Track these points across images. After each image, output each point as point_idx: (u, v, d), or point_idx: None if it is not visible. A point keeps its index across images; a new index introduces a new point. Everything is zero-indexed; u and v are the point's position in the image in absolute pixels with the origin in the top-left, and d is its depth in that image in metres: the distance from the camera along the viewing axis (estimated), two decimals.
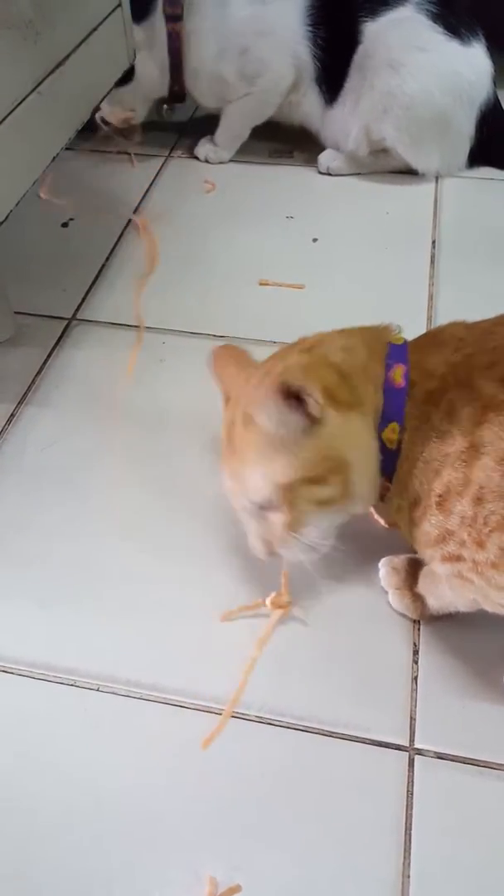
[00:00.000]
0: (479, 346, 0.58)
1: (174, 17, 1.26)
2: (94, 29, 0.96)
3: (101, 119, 1.37)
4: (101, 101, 1.08)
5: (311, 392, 0.55)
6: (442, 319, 1.05)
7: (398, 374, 0.59)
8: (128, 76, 1.26)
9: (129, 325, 1.06)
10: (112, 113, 1.34)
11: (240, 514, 0.66)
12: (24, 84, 0.80)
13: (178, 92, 1.34)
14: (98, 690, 0.68)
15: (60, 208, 1.26)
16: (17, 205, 0.82)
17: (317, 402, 0.55)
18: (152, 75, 1.31)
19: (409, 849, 0.59)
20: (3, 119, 0.76)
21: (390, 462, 0.60)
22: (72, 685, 0.69)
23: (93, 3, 0.97)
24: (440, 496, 0.56)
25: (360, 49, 1.22)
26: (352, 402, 0.58)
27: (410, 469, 0.59)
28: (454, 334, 0.61)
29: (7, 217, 0.81)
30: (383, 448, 0.59)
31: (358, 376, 0.59)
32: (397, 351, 0.61)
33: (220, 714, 0.66)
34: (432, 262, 1.16)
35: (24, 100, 0.79)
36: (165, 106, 1.42)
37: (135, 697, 0.68)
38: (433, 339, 0.62)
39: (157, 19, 1.26)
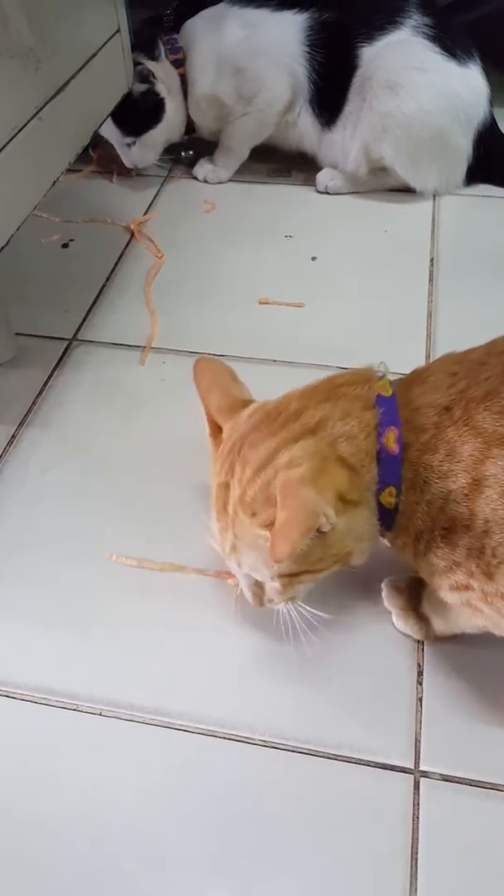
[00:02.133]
0: (473, 379, 0.57)
1: (178, 63, 1.29)
2: (94, 54, 0.97)
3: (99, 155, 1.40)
4: (100, 125, 1.10)
5: (328, 515, 0.54)
6: (441, 336, 1.06)
7: (391, 439, 0.57)
8: (156, 116, 1.30)
9: (129, 345, 1.06)
10: (143, 159, 1.36)
11: (230, 565, 0.66)
12: (26, 111, 0.81)
13: (188, 126, 1.37)
14: (101, 715, 0.68)
15: (61, 230, 1.27)
16: (18, 229, 0.83)
17: (330, 522, 0.55)
18: (178, 117, 1.34)
19: (416, 872, 0.59)
20: (5, 146, 0.77)
21: (388, 517, 0.60)
22: (74, 710, 0.68)
23: (92, 30, 0.98)
24: (445, 529, 0.55)
25: (359, 73, 1.23)
26: (359, 500, 0.58)
27: (412, 515, 0.58)
28: (446, 370, 0.59)
29: (9, 241, 0.82)
30: (381, 507, 0.59)
31: (362, 465, 0.58)
32: (387, 410, 0.59)
33: (223, 738, 0.66)
34: (431, 279, 1.17)
35: (24, 126, 0.80)
36: (189, 151, 1.44)
37: (137, 722, 0.67)
38: (424, 380, 0.60)
39: (166, 64, 1.29)
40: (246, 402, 0.67)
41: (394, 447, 0.57)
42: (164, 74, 1.29)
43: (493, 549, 0.53)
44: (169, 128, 1.35)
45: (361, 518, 0.59)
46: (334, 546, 0.59)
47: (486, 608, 0.57)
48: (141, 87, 1.25)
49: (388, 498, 0.58)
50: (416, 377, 0.62)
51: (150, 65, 1.27)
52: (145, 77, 1.25)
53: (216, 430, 0.68)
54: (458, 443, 0.55)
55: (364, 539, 0.61)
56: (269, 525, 0.56)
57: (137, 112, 1.28)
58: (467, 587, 0.56)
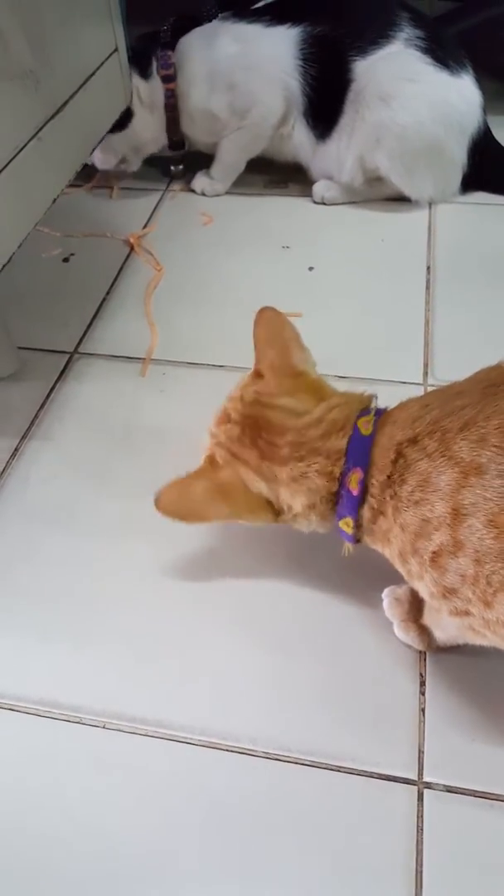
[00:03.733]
0: (446, 409, 0.58)
1: (168, 78, 1.30)
2: (93, 73, 0.98)
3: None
4: (100, 142, 1.11)
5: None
6: (438, 344, 1.07)
7: (354, 481, 0.61)
8: (121, 123, 1.30)
9: (130, 357, 1.07)
10: (103, 160, 1.38)
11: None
12: (25, 131, 0.82)
13: (177, 141, 1.38)
14: (104, 728, 0.68)
15: (62, 244, 1.28)
16: (20, 246, 0.84)
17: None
18: (149, 131, 1.36)
19: (421, 884, 0.59)
20: (6, 166, 0.78)
21: (350, 538, 0.66)
22: (77, 722, 0.69)
23: (90, 49, 0.99)
24: (434, 553, 0.56)
25: (353, 87, 1.24)
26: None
27: (387, 531, 0.61)
28: (420, 402, 0.61)
29: (10, 259, 0.82)
30: (342, 531, 0.66)
31: (317, 504, 0.65)
32: (357, 449, 0.62)
33: (227, 751, 0.66)
34: (428, 287, 1.18)
35: (25, 146, 0.81)
36: (179, 166, 1.45)
37: (140, 734, 0.68)
38: (396, 417, 0.62)
39: (156, 81, 1.31)
40: (298, 374, 0.70)
41: (354, 488, 0.61)
42: (147, 91, 1.31)
43: (487, 578, 0.53)
44: (135, 139, 1.36)
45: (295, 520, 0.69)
46: (276, 522, 0.70)
47: (489, 634, 0.57)
48: None
49: (346, 526, 0.65)
50: (391, 414, 0.64)
51: (137, 80, 1.29)
52: None
53: (258, 375, 0.72)
54: (435, 473, 0.56)
55: (310, 527, 0.69)
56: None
57: None
58: (467, 613, 0.57)
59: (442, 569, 0.56)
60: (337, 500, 0.64)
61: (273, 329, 0.73)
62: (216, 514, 0.70)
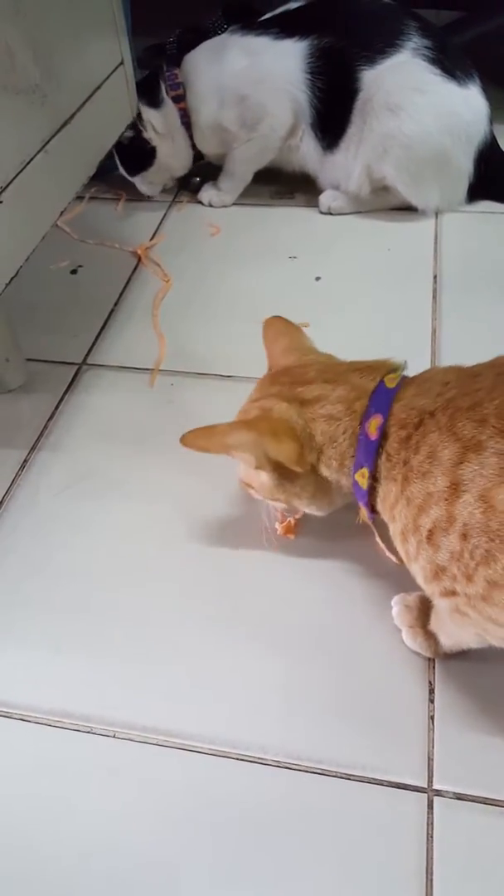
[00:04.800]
0: (463, 389, 0.60)
1: (178, 98, 1.32)
2: (99, 87, 0.99)
3: None
4: (106, 154, 1.12)
5: (247, 460, 0.70)
6: (446, 352, 1.07)
7: (373, 426, 0.63)
8: (148, 161, 1.36)
9: (138, 368, 1.08)
10: (149, 190, 1.43)
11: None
12: (33, 145, 0.83)
13: (196, 154, 1.41)
14: (114, 737, 0.69)
15: (70, 256, 1.29)
16: (27, 259, 0.85)
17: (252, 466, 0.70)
18: (177, 157, 1.39)
19: (431, 891, 0.59)
20: (13, 179, 0.79)
21: (363, 497, 0.66)
22: (88, 732, 0.69)
23: (96, 63, 1.00)
24: (429, 531, 0.57)
25: (360, 96, 1.25)
26: (302, 471, 0.68)
27: (394, 504, 0.62)
28: (441, 379, 0.63)
29: (18, 271, 0.83)
30: (357, 486, 0.66)
31: (337, 444, 0.67)
32: (381, 398, 0.64)
33: (238, 759, 0.66)
34: (434, 296, 1.18)
35: (32, 160, 0.82)
36: (195, 178, 1.47)
37: (151, 743, 0.68)
38: (421, 383, 0.65)
39: (168, 104, 1.33)
40: (308, 352, 0.76)
41: (373, 433, 0.63)
42: (161, 121, 1.33)
43: (470, 553, 0.55)
44: (167, 168, 1.40)
45: (307, 482, 0.70)
46: (276, 491, 0.72)
47: (472, 612, 0.58)
48: (128, 134, 1.29)
49: (361, 478, 0.65)
50: (416, 379, 0.66)
51: (148, 112, 1.31)
52: (132, 126, 1.29)
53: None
54: (440, 447, 0.58)
55: (315, 499, 0.72)
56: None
57: (129, 155, 1.35)
58: (454, 592, 0.58)
59: (436, 546, 0.57)
60: (356, 448, 0.65)
61: (277, 329, 0.79)
62: (237, 442, 0.69)
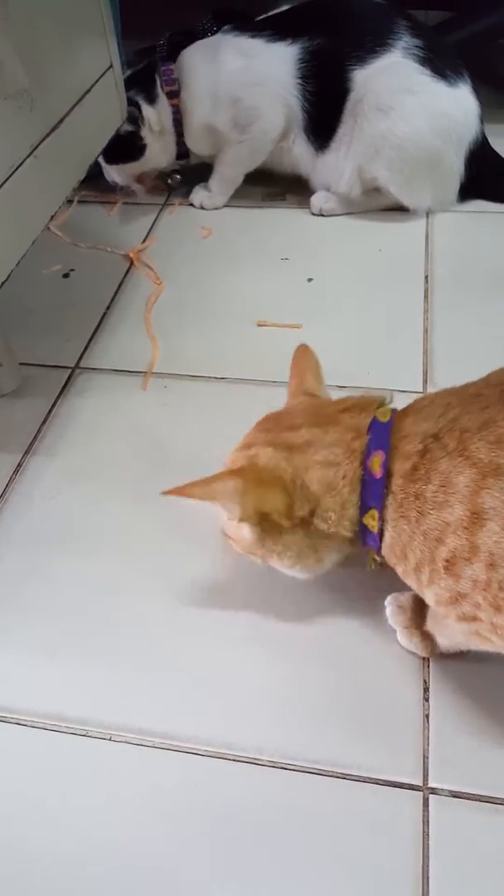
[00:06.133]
0: (467, 409, 0.58)
1: (173, 94, 1.32)
2: (88, 91, 0.99)
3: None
4: (96, 158, 1.12)
5: (230, 510, 0.66)
6: (438, 352, 1.07)
7: (376, 463, 0.60)
8: (134, 155, 1.35)
9: (131, 371, 1.08)
10: (121, 180, 1.42)
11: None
12: (21, 149, 0.83)
13: (181, 152, 1.40)
14: (110, 740, 0.69)
15: (62, 260, 1.29)
16: (18, 264, 0.85)
17: (232, 517, 0.66)
18: (163, 155, 1.39)
19: (427, 889, 0.59)
20: (2, 185, 0.79)
21: (374, 541, 0.62)
22: (84, 735, 0.69)
23: (85, 67, 1.00)
24: (447, 561, 0.55)
25: (351, 96, 1.25)
26: (290, 524, 0.64)
27: (408, 543, 0.59)
28: (441, 402, 0.60)
29: (9, 276, 0.83)
30: (365, 530, 0.62)
31: (339, 490, 0.62)
32: (378, 435, 0.61)
33: (233, 760, 0.66)
34: (426, 296, 1.18)
35: (21, 164, 0.82)
36: (176, 176, 1.47)
37: (146, 745, 0.68)
38: (419, 410, 0.62)
39: (162, 100, 1.33)
40: (307, 393, 0.73)
41: (377, 471, 0.59)
42: (156, 117, 1.33)
43: (500, 583, 0.53)
44: (150, 163, 1.39)
45: (293, 540, 0.65)
46: (255, 547, 0.67)
47: (496, 639, 0.57)
48: (127, 128, 1.29)
49: (371, 521, 0.61)
50: (410, 408, 0.63)
51: (146, 109, 1.31)
52: (134, 120, 1.29)
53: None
54: (454, 473, 0.55)
55: (301, 559, 0.67)
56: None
57: (118, 146, 1.32)
58: (475, 618, 0.56)
59: (456, 576, 0.55)
60: (361, 488, 0.61)
61: (302, 363, 0.76)
62: (222, 490, 0.64)
